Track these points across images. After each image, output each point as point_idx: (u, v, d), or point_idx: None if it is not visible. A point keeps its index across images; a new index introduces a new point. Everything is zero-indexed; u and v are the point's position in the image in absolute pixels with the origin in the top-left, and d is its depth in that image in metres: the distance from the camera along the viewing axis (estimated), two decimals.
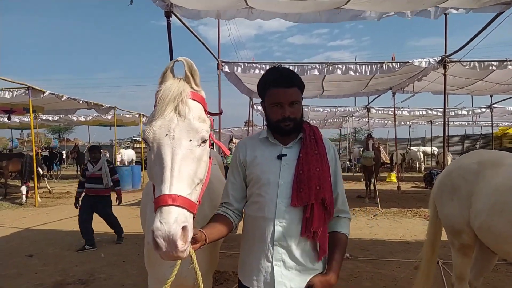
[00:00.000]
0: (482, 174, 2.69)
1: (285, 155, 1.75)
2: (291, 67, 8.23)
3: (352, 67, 8.43)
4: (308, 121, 1.89)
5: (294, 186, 1.68)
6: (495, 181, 2.57)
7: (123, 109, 16.79)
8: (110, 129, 21.05)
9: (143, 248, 2.13)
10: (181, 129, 1.45)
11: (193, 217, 1.44)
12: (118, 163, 19.84)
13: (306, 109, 15.89)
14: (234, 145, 11.24)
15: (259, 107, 14.78)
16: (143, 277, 4.68)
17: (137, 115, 17.77)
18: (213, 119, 1.77)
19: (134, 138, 32.02)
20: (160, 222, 1.30)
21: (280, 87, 1.72)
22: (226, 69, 8.36)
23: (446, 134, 10.86)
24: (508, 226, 2.39)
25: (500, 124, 22.48)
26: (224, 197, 1.87)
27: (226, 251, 5.86)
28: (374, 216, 8.91)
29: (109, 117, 16.87)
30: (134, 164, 20.60)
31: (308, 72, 8.23)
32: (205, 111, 1.64)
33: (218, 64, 8.31)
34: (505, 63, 8.05)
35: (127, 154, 21.74)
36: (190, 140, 1.46)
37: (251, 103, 13.71)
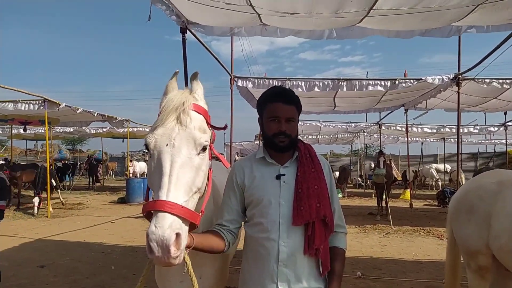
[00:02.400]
0: (502, 194, 2.64)
1: (284, 174, 1.77)
2: (302, 83, 8.29)
3: (365, 83, 8.44)
4: (300, 138, 1.94)
5: (295, 205, 1.69)
6: None
7: (136, 121, 17.02)
8: (123, 141, 21.31)
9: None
10: (181, 138, 1.50)
11: (195, 227, 1.47)
12: (131, 175, 19.99)
13: (318, 124, 15.90)
14: None
15: None
16: None
17: (148, 129, 17.98)
18: (215, 133, 1.82)
19: (146, 151, 32.34)
20: (155, 227, 1.33)
21: (278, 102, 1.77)
22: (239, 83, 8.45)
23: (460, 152, 10.72)
24: None
25: None
26: (219, 219, 1.86)
27: (237, 266, 5.80)
28: (386, 234, 8.77)
29: (122, 129, 17.10)
30: (145, 176, 20.74)
31: (320, 87, 8.26)
32: (208, 123, 1.69)
33: (231, 79, 8.40)
34: None
35: (139, 166, 21.91)
36: (190, 149, 1.51)
37: None
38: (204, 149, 1.57)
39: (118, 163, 32.79)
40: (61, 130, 18.40)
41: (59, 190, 13.60)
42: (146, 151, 1.57)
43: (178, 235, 1.35)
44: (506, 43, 6.20)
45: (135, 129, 17.85)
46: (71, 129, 18.03)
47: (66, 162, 21.63)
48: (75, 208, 12.89)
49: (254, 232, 1.78)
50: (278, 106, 1.77)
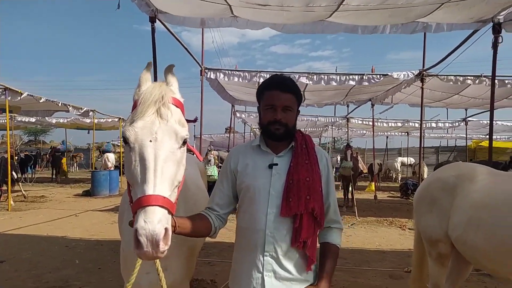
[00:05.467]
0: (460, 187, 2.77)
1: (276, 164, 1.75)
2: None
3: (334, 77, 8.60)
4: (301, 130, 1.91)
5: (284, 196, 1.68)
6: (472, 196, 2.65)
7: (103, 112, 16.55)
8: (88, 132, 20.64)
9: (120, 254, 2.10)
10: (163, 132, 1.48)
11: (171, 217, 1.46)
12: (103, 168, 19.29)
13: None
14: (212, 156, 11.16)
15: (243, 115, 14.84)
16: (120, 284, 4.60)
17: (116, 119, 17.53)
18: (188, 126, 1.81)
19: (113, 142, 31.51)
20: (145, 221, 1.32)
21: (274, 90, 1.76)
22: (209, 75, 8.38)
23: (422, 146, 11.15)
24: (483, 241, 2.47)
25: (474, 137, 23.21)
26: (209, 203, 1.87)
27: (204, 258, 5.82)
28: (351, 225, 9.02)
29: (88, 120, 16.58)
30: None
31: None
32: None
33: (201, 70, 8.33)
34: (480, 79, 8.37)
35: (112, 159, 20.83)
36: (172, 143, 1.50)
37: (233, 110, 13.74)
38: (184, 142, 1.56)
39: (84, 155, 31.80)
40: (24, 120, 17.61)
41: (20, 183, 13.05)
42: (125, 145, 1.53)
43: (166, 229, 1.35)
44: (468, 41, 6.50)
45: (102, 120, 17.36)
46: (33, 119, 17.28)
47: (28, 153, 20.73)
48: (37, 201, 12.42)
49: (243, 221, 1.78)
50: (274, 94, 1.75)
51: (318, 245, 1.82)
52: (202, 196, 2.62)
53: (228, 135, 19.29)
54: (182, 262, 2.01)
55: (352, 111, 15.67)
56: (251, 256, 1.72)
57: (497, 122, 16.03)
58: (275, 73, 8.62)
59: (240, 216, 1.82)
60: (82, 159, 31.18)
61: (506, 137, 22.32)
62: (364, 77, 8.62)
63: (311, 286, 1.74)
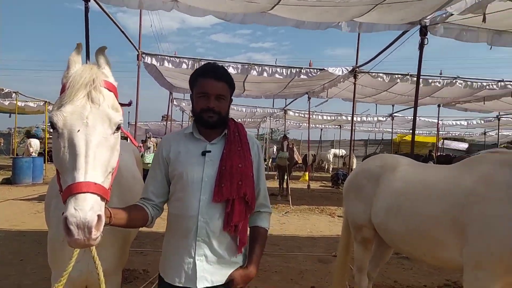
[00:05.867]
0: (383, 177, 3.00)
1: (209, 151, 1.78)
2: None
3: (274, 69, 8.72)
4: (233, 118, 1.95)
5: (216, 182, 1.72)
6: (393, 184, 2.89)
7: (27, 95, 15.25)
8: (10, 116, 18.90)
9: (44, 245, 2.01)
10: (95, 116, 1.43)
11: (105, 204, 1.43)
12: (25, 154, 17.83)
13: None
14: (152, 143, 10.88)
15: (182, 103, 14.54)
16: (43, 276, 4.35)
17: (42, 103, 16.24)
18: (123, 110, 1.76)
19: (38, 127, 29.25)
20: (75, 209, 1.27)
21: (208, 78, 1.76)
22: (147, 60, 8.09)
23: (353, 138, 11.79)
24: (401, 226, 2.71)
25: (399, 131, 25.00)
26: (143, 193, 1.85)
27: (137, 248, 5.69)
28: (285, 213, 9.34)
29: (7, 102, 15.16)
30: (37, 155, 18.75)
31: (234, 69, 8.30)
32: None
33: (138, 55, 8.01)
34: (406, 77, 9.00)
35: (35, 145, 19.23)
36: (105, 129, 1.45)
37: (170, 98, 13.42)
38: (118, 128, 1.52)
39: (4, 140, 29.13)
40: None
41: None
42: (53, 131, 1.44)
43: (99, 216, 1.31)
44: (398, 41, 6.94)
45: (25, 103, 15.97)
46: None
47: None
48: None
49: (175, 208, 1.78)
50: (208, 82, 1.76)
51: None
52: (137, 183, 2.56)
53: (165, 123, 18.82)
54: (115, 251, 1.97)
55: (289, 104, 16.08)
56: (183, 242, 1.74)
57: (420, 118, 17.39)
58: (216, 62, 8.60)
59: (172, 203, 1.82)
60: (2, 144, 28.58)
61: (427, 132, 24.31)
62: (303, 70, 8.86)
63: (241, 268, 1.80)
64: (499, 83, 9.33)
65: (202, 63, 8.18)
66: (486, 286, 2.21)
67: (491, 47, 6.00)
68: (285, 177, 11.92)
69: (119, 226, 1.62)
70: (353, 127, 11.31)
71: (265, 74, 8.44)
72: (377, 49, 7.82)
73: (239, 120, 21.27)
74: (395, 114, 17.31)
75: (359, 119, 17.84)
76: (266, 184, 1.95)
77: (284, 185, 11.94)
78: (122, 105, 1.73)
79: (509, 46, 6.00)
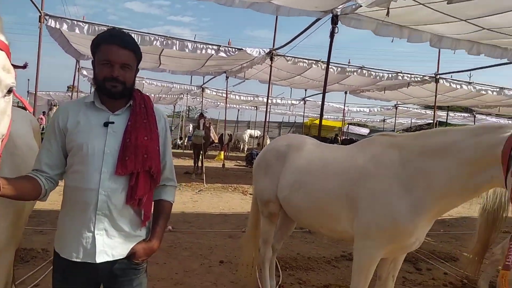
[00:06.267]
0: (289, 155, 3.18)
1: (113, 122, 1.70)
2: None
3: (191, 45, 8.52)
4: (140, 90, 1.88)
5: (120, 155, 1.66)
6: (298, 162, 3.08)
7: None
8: None
9: None
10: None
11: None
12: None
13: (141, 81, 15.31)
14: None
15: (87, 72, 13.50)
16: None
17: None
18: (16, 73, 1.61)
19: None
20: None
21: (113, 44, 1.67)
22: (51, 24, 7.32)
23: (267, 120, 12.15)
24: (303, 201, 2.92)
25: (310, 115, 26.36)
26: (36, 164, 1.72)
27: (35, 227, 5.29)
28: (199, 191, 9.38)
29: None
30: None
31: (147, 42, 7.92)
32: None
33: (40, 16, 7.21)
34: (319, 63, 9.47)
35: None
36: None
37: (77, 67, 12.42)
38: (10, 91, 1.38)
39: None
40: None
41: None
42: None
43: None
44: (312, 28, 7.23)
45: None
46: None
47: None
48: None
49: (73, 181, 1.69)
50: (112, 49, 1.65)
51: None
52: (34, 155, 2.36)
53: (70, 94, 17.36)
54: (6, 225, 1.80)
55: (207, 82, 15.94)
56: (82, 216, 1.66)
57: (328, 103, 18.51)
58: (130, 30, 8.11)
59: (70, 176, 1.72)
60: None
61: (334, 117, 26.01)
62: (221, 48, 8.81)
63: (144, 241, 1.79)
64: (398, 75, 10.32)
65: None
66: (372, 253, 2.50)
67: (392, 40, 6.58)
68: (200, 156, 11.90)
69: (10, 197, 1.50)
70: (268, 109, 11.64)
71: (179, 48, 8.19)
72: (295, 33, 8.06)
73: (154, 95, 20.58)
74: (307, 99, 18.18)
75: (274, 101, 18.38)
76: (172, 158, 1.94)
77: (199, 164, 11.93)
78: (15, 66, 1.57)
79: (410, 41, 6.61)
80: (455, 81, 10.70)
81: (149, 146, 1.72)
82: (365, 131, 32.41)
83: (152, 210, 1.82)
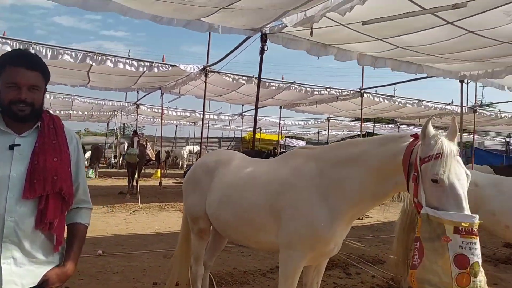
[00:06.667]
0: (218, 171, 3.22)
1: (19, 145, 1.63)
2: (49, 51, 7.37)
3: (122, 60, 8.31)
4: (49, 110, 1.83)
5: (27, 178, 1.59)
6: (225, 177, 3.12)
7: None
8: None
9: None
10: None
11: None
12: None
13: (69, 99, 14.55)
14: None
15: None
16: None
17: None
18: None
19: None
20: None
21: (20, 67, 1.61)
22: None
23: (204, 135, 12.13)
24: (230, 215, 2.95)
25: (249, 129, 26.68)
26: None
27: None
28: (133, 212, 9.06)
29: None
30: None
31: (71, 57, 7.57)
32: None
33: None
34: (252, 79, 9.69)
35: None
36: None
37: None
38: None
39: None
40: None
41: None
42: None
43: None
44: (243, 45, 7.41)
45: None
46: None
47: None
48: None
49: None
50: (19, 71, 1.60)
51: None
52: None
53: None
54: None
55: (142, 98, 15.55)
56: None
57: (265, 117, 18.91)
58: (57, 47, 7.70)
59: None
60: None
61: (272, 131, 26.58)
62: (154, 65, 8.69)
63: (57, 267, 1.71)
64: (327, 90, 10.89)
65: (37, 48, 7.27)
66: (296, 262, 2.59)
67: (318, 58, 6.95)
68: (135, 175, 11.52)
69: None
70: (204, 125, 11.62)
71: (110, 64, 7.96)
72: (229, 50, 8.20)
73: (85, 113, 19.62)
74: (244, 113, 18.41)
75: (212, 116, 18.39)
76: (86, 179, 1.90)
77: (134, 183, 11.53)
78: None
79: (338, 59, 7.00)
80: (378, 95, 11.52)
81: (59, 167, 1.67)
82: (302, 143, 33.47)
83: (64, 234, 1.76)
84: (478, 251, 1.88)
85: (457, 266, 1.84)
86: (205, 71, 9.26)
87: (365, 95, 11.17)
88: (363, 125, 20.22)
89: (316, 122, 20.86)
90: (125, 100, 16.73)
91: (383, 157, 2.31)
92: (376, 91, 11.69)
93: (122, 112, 18.65)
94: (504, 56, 6.31)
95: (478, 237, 1.89)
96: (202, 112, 17.27)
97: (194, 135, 27.11)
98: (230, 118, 19.29)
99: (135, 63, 8.32)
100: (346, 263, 5.64)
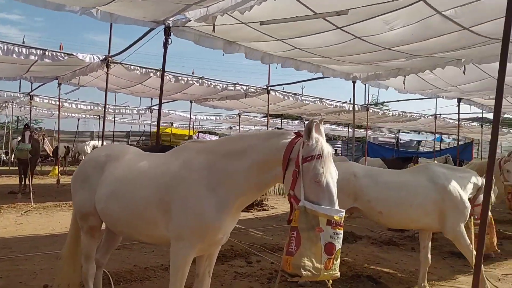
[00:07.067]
0: (108, 165, 3.14)
1: None
2: None
3: (10, 48, 7.52)
4: None
5: None
6: (115, 172, 3.07)
7: None
8: None
9: None
10: None
11: None
12: None
13: None
14: None
15: None
16: None
17: None
18: None
19: None
20: None
21: None
22: None
23: (112, 130, 11.53)
24: (120, 210, 2.92)
25: (160, 124, 25.94)
26: None
27: None
28: (25, 212, 8.30)
29: None
30: None
31: None
32: None
33: None
34: (158, 72, 9.45)
35: None
36: None
37: None
38: None
39: None
40: None
41: None
42: None
43: None
44: (147, 36, 7.20)
45: None
46: None
47: None
48: None
49: None
50: None
51: None
52: None
53: None
54: None
55: (36, 88, 14.19)
56: None
57: (176, 112, 18.63)
58: None
59: None
60: None
61: (184, 125, 26.21)
62: (47, 53, 8.00)
63: None
64: (235, 86, 11.11)
65: None
66: (186, 253, 2.66)
67: (223, 54, 7.06)
68: (28, 172, 10.51)
69: None
70: (109, 118, 11.06)
71: None
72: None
73: None
74: (153, 107, 17.90)
75: (118, 110, 17.54)
76: None
77: (26, 181, 10.53)
78: None
79: (249, 57, 7.15)
80: (284, 93, 12.09)
81: None
82: (215, 138, 33.62)
83: None
84: (341, 240, 2.23)
85: (327, 253, 2.16)
86: (106, 61, 8.80)
87: (271, 92, 11.63)
88: (272, 121, 21.16)
89: (228, 118, 21.13)
90: (19, 91, 15.13)
91: (267, 151, 2.50)
92: (283, 89, 12.26)
93: (15, 104, 16.80)
94: (386, 60, 7.11)
95: (343, 228, 2.24)
96: (108, 105, 16.51)
97: (99, 129, 25.60)
98: (138, 112, 18.57)
99: (24, 50, 7.57)
100: (248, 253, 5.89)
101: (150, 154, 3.27)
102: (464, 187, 4.34)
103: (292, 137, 2.46)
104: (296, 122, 22.53)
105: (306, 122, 2.32)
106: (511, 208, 6.32)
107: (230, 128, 28.80)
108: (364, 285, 4.67)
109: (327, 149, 2.30)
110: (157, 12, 5.72)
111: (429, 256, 4.52)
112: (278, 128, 23.22)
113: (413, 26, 5.24)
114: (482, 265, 3.43)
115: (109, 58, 8.76)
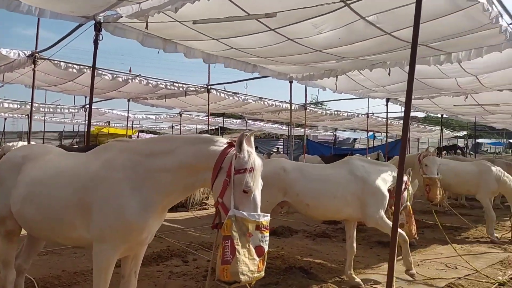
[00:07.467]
0: (24, 166, 3.00)
1: None
2: None
3: None
4: None
5: None
6: (32, 173, 2.94)
7: None
8: None
9: None
10: None
11: None
12: None
13: None
14: None
15: None
16: None
17: None
18: None
19: None
20: None
21: None
22: None
23: (42, 130, 10.85)
24: (37, 212, 2.81)
25: (95, 124, 24.79)
26: None
27: None
28: None
29: None
30: None
31: None
32: None
33: None
34: (84, 69, 9.01)
35: None
36: None
37: None
38: None
39: None
40: None
41: None
42: None
43: None
44: (76, 32, 6.89)
45: None
46: None
47: None
48: None
49: None
50: None
51: None
52: None
53: None
54: None
55: None
56: None
57: (112, 111, 17.94)
58: None
59: None
60: None
61: (122, 125, 25.25)
62: None
63: None
64: (174, 84, 10.96)
65: None
66: (109, 255, 2.63)
67: (158, 52, 6.94)
68: None
69: None
70: (39, 118, 10.38)
71: None
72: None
73: None
74: (87, 106, 17.05)
75: (48, 109, 16.50)
76: None
77: None
78: None
79: (187, 56, 7.06)
80: (224, 91, 12.14)
81: None
82: None
83: None
84: (268, 241, 2.43)
85: (258, 255, 2.34)
86: (33, 57, 8.27)
87: (212, 91, 11.62)
88: (214, 119, 21.07)
89: (168, 116, 20.69)
90: None
91: (195, 156, 2.57)
92: (225, 88, 12.30)
93: None
94: (319, 62, 7.42)
95: (269, 231, 2.43)
96: (36, 104, 15.44)
97: (28, 129, 23.89)
98: (71, 110, 17.61)
99: None
100: (185, 252, 5.88)
101: (71, 154, 3.17)
102: (383, 179, 4.70)
103: (224, 146, 2.54)
104: (238, 121, 22.66)
105: (238, 135, 2.45)
106: (429, 199, 6.88)
107: (172, 127, 28.26)
108: (295, 276, 4.87)
109: (258, 162, 2.45)
110: (86, 7, 5.51)
111: (354, 245, 4.83)
112: (220, 127, 23.21)
113: (340, 30, 5.54)
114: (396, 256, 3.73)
115: (37, 54, 8.23)
